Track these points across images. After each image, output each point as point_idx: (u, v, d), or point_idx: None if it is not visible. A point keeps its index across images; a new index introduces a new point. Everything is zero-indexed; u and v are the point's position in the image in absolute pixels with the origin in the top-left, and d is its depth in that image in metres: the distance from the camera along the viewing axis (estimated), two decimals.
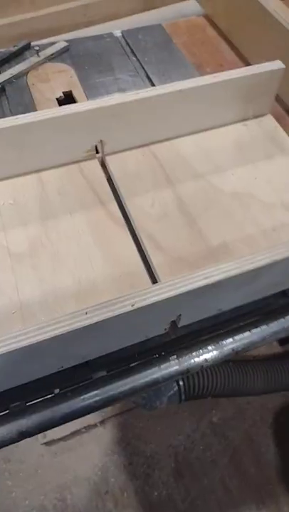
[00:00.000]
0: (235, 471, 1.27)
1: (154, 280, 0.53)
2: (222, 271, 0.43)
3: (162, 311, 0.44)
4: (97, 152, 0.64)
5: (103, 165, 0.65)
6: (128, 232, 0.57)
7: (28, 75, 0.81)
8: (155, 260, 0.54)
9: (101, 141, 0.63)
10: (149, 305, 0.41)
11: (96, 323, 0.39)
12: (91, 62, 0.85)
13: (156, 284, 0.43)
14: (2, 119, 0.57)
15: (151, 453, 1.29)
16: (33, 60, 0.82)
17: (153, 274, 0.54)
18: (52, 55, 0.84)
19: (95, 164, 0.64)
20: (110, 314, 0.40)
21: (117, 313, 0.40)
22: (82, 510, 1.18)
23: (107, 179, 0.63)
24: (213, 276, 0.43)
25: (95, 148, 0.64)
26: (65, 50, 0.86)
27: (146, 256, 0.55)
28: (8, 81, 0.79)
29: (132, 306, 0.40)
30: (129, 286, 0.51)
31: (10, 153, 0.59)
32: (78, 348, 0.43)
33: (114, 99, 0.59)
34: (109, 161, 0.65)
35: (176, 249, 0.55)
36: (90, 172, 0.63)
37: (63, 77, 0.81)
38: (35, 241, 0.55)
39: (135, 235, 0.57)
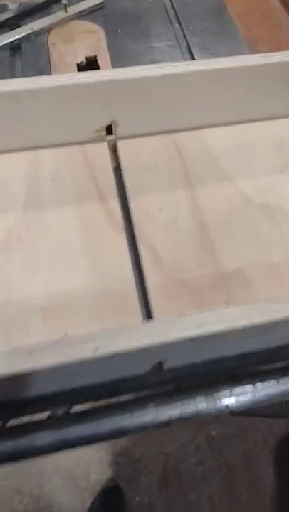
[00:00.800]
0: (227, 492, 1.18)
1: (145, 303, 0.43)
2: (224, 319, 0.32)
3: (138, 357, 0.34)
4: (108, 134, 0.54)
5: (113, 150, 0.54)
6: (125, 238, 0.47)
7: (51, 32, 0.70)
8: (151, 279, 0.44)
9: (114, 121, 0.52)
10: (116, 353, 0.31)
11: (43, 369, 0.30)
12: (126, 24, 0.72)
13: (131, 327, 0.32)
14: None
15: (140, 456, 1.22)
16: (60, 15, 0.71)
17: (146, 295, 0.43)
18: (82, 11, 0.72)
19: (102, 148, 0.54)
20: (63, 359, 0.30)
21: (72, 359, 0.30)
22: (57, 501, 1.14)
23: (114, 168, 0.53)
24: (211, 324, 0.32)
25: (105, 128, 0.53)
26: (98, 8, 0.74)
27: (142, 272, 0.44)
28: (27, 37, 0.68)
29: (95, 351, 0.31)
30: (111, 309, 0.42)
31: (1, 124, 0.49)
32: (18, 390, 0.34)
33: (134, 70, 0.48)
34: (121, 146, 0.54)
35: (180, 267, 0.44)
36: (94, 157, 0.53)
37: (90, 40, 0.69)
38: (11, 232, 0.46)
39: (134, 243, 0.47)
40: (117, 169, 0.53)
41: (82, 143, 0.53)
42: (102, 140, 0.54)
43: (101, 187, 0.50)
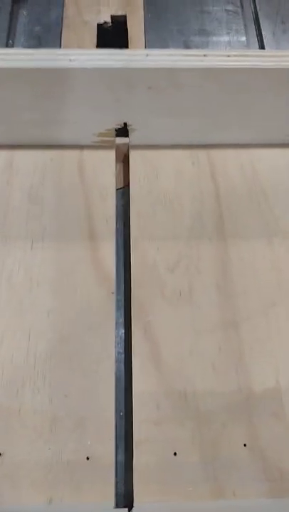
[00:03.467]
0: None
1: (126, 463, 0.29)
2: None
3: None
4: (118, 135, 0.37)
5: (124, 161, 0.38)
6: (113, 309, 0.32)
7: None
8: (140, 385, 0.29)
9: (125, 124, 0.36)
10: None
11: None
12: None
13: None
14: None
15: None
16: None
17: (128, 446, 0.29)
18: None
19: (106, 157, 0.38)
20: None
21: None
22: None
23: (119, 191, 0.37)
24: None
25: (114, 132, 0.37)
26: None
27: (130, 379, 0.30)
28: None
29: None
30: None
31: None
32: None
33: (164, 56, 0.31)
34: (134, 158, 0.38)
35: (185, 373, 0.29)
36: (93, 169, 0.37)
37: None
38: None
39: (126, 320, 0.32)
40: (124, 193, 0.37)
41: (80, 147, 0.38)
42: (108, 147, 0.38)
43: (95, 218, 0.35)
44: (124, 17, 0.49)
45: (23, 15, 0.50)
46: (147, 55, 0.30)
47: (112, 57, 0.30)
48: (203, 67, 0.30)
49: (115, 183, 0.37)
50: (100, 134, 0.36)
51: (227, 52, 0.30)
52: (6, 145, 0.37)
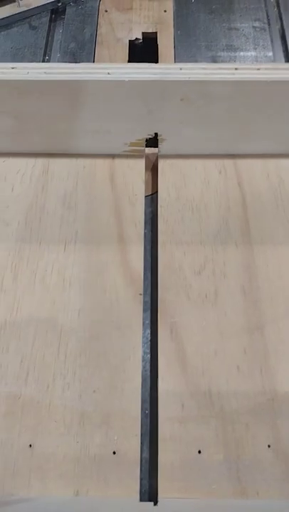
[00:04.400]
0: None
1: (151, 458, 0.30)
2: None
3: None
4: (148, 145, 0.39)
5: (152, 169, 0.40)
6: (141, 308, 0.33)
7: None
8: (166, 384, 0.30)
9: (156, 134, 0.37)
10: None
11: None
12: None
13: None
14: None
15: None
16: None
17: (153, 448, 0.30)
18: None
19: (136, 166, 0.39)
20: None
21: None
22: None
23: (148, 196, 0.39)
24: None
25: (144, 142, 0.38)
26: None
27: (156, 379, 0.31)
28: None
29: None
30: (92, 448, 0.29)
31: (5, 120, 0.36)
32: None
33: (195, 70, 0.33)
34: (163, 167, 0.39)
35: (209, 373, 0.30)
36: (123, 177, 0.39)
37: (153, 9, 0.53)
38: None
39: (153, 318, 0.33)
40: (152, 200, 0.39)
41: (112, 156, 0.40)
42: (139, 155, 0.39)
43: (125, 223, 0.37)
44: (155, 34, 0.51)
45: (59, 33, 0.53)
46: (181, 69, 0.32)
47: (147, 71, 0.32)
48: (234, 79, 0.31)
49: (144, 191, 0.39)
50: (132, 144, 0.38)
51: (257, 66, 0.32)
52: (42, 153, 0.39)
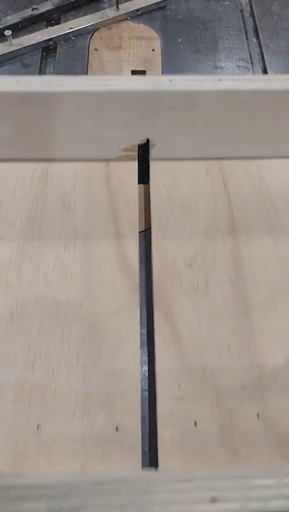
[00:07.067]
0: None
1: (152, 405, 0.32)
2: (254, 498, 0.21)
3: None
4: (140, 152, 0.42)
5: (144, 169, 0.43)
6: (137, 297, 0.36)
7: (95, 34, 0.57)
8: (163, 364, 0.33)
9: (148, 139, 0.41)
10: None
11: None
12: (189, 32, 0.58)
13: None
14: (3, 77, 0.37)
15: None
16: (109, 13, 0.58)
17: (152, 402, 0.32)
18: (137, 10, 0.58)
19: (130, 169, 0.42)
20: None
21: None
22: None
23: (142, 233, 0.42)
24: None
25: (137, 147, 0.42)
26: (158, 8, 0.60)
27: (153, 355, 0.34)
28: (65, 37, 0.56)
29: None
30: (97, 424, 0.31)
31: (6, 129, 0.39)
32: None
33: (182, 81, 0.36)
34: (155, 168, 0.43)
35: (202, 353, 0.33)
36: (118, 179, 0.42)
37: (142, 48, 0.56)
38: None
39: (149, 305, 0.36)
40: (145, 196, 0.42)
41: (106, 160, 0.43)
42: (131, 159, 0.42)
43: (120, 218, 0.39)
44: (144, 72, 0.53)
45: (50, 70, 0.54)
46: (171, 80, 0.35)
47: (141, 83, 0.35)
48: (217, 89, 0.35)
49: (137, 188, 0.42)
50: (125, 149, 0.41)
51: (238, 77, 0.35)
52: (42, 158, 0.42)
